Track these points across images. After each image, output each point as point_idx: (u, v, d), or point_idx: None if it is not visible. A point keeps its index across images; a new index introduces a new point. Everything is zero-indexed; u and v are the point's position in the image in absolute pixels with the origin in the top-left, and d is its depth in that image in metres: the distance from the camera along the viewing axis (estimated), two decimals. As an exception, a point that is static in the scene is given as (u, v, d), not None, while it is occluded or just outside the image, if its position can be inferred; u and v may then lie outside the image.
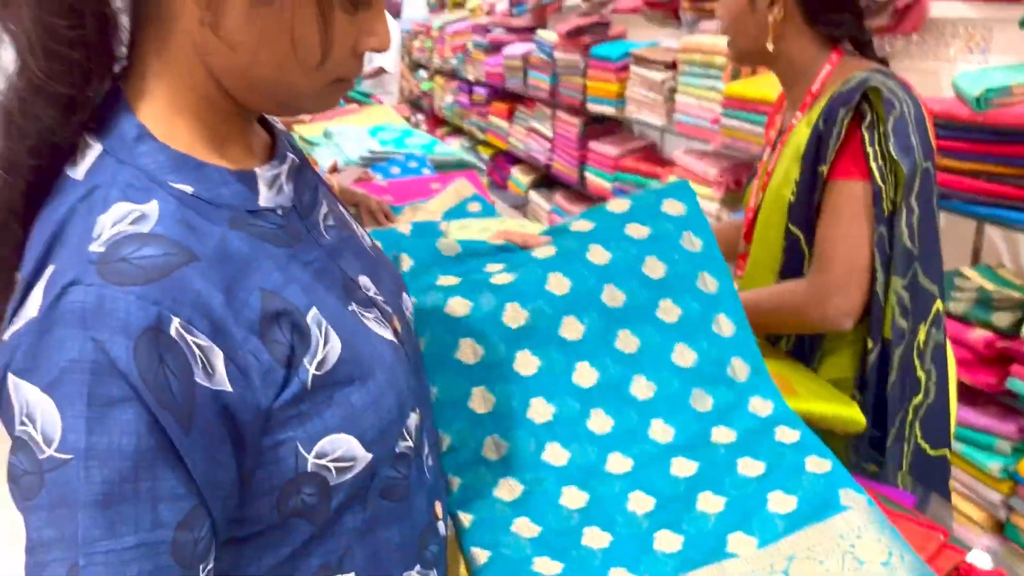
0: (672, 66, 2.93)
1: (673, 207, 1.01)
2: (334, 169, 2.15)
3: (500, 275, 0.94)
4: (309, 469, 0.58)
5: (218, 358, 0.53)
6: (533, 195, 4.49)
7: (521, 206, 4.58)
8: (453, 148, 2.47)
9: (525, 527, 0.81)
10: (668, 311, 0.94)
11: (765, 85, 2.40)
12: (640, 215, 1.00)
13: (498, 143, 4.93)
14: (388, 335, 0.66)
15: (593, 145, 3.69)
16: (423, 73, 6.63)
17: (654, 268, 0.95)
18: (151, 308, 0.50)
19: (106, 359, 0.49)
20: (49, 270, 0.52)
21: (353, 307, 0.64)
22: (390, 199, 1.86)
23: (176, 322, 0.51)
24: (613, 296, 0.93)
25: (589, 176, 3.71)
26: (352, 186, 1.85)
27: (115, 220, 0.52)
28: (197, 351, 0.52)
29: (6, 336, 0.52)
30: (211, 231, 0.55)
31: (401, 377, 0.65)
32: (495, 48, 4.73)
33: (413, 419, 0.68)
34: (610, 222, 0.99)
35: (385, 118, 2.82)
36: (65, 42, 0.54)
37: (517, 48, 4.35)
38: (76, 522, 0.49)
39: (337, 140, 2.37)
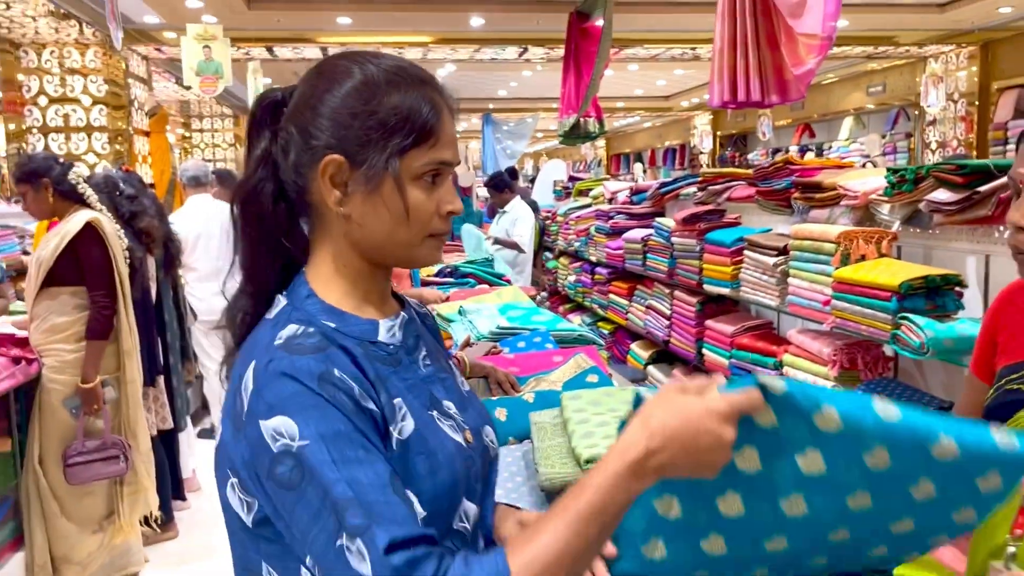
0: (784, 251, 3.10)
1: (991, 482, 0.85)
2: (467, 344, 2.38)
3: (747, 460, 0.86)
4: None
5: (362, 395, 0.83)
6: (652, 369, 4.62)
7: (639, 380, 4.70)
8: (575, 325, 2.69)
9: None
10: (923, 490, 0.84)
11: (873, 271, 2.52)
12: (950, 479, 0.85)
13: (618, 319, 5.14)
14: (457, 438, 0.92)
15: (710, 323, 3.83)
16: (548, 254, 7.05)
17: (925, 491, 0.85)
18: (322, 364, 0.81)
19: (307, 387, 0.80)
20: (252, 364, 0.83)
21: (433, 412, 0.92)
22: (516, 371, 2.06)
23: (336, 371, 0.81)
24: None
25: (706, 352, 3.83)
26: (482, 359, 2.06)
27: (289, 333, 0.85)
28: (354, 386, 0.82)
29: (244, 416, 0.82)
30: (342, 344, 0.87)
31: (459, 467, 0.89)
32: (616, 233, 5.04)
33: (472, 509, 0.92)
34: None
35: (514, 298, 3.09)
36: (267, 249, 0.94)
37: (637, 233, 4.64)
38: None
39: (470, 317, 2.63)
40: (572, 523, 0.76)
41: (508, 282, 4.19)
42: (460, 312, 2.75)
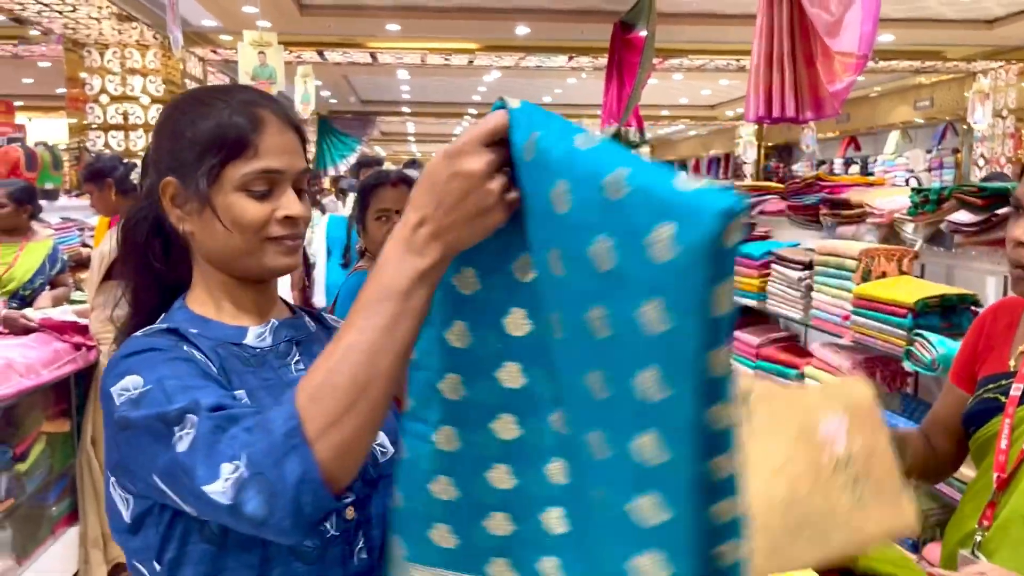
0: (809, 265, 3.17)
1: (664, 250, 0.64)
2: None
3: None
4: None
5: (207, 365, 0.89)
6: (681, 378, 4.69)
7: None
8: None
9: (443, 534, 0.87)
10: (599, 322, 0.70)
11: (892, 288, 2.59)
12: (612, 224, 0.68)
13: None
14: None
15: (737, 333, 3.90)
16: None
17: (602, 256, 0.68)
18: (171, 339, 0.90)
19: (155, 349, 0.88)
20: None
21: None
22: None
23: (184, 347, 0.89)
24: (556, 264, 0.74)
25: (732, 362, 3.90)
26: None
27: (145, 329, 0.93)
28: (199, 357, 0.89)
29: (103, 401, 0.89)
30: (195, 341, 0.92)
31: None
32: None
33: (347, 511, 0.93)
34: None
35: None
36: (148, 278, 1.02)
37: (670, 242, 4.72)
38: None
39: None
40: (354, 317, 0.76)
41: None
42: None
